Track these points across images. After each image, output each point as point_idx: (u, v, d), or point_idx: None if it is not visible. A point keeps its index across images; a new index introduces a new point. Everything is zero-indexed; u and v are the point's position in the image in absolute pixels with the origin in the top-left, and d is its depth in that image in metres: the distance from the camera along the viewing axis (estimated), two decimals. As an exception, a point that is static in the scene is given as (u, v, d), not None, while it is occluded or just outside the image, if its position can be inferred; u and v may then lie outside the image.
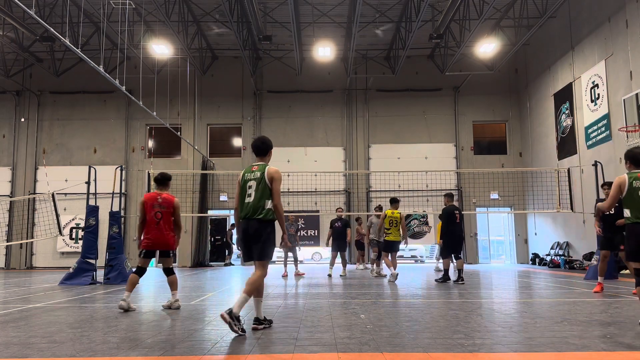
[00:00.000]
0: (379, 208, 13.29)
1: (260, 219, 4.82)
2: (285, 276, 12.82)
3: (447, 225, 10.85)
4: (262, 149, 5.13)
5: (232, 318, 4.51)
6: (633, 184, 5.01)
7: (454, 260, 11.38)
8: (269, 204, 4.86)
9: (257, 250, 4.82)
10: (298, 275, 12.93)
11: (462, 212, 20.19)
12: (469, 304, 6.79)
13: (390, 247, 11.05)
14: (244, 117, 21.90)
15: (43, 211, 19.19)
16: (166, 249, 6.70)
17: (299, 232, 14.82)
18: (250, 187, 4.92)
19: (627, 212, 5.08)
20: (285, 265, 13.46)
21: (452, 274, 11.90)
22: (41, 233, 18.54)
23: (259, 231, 4.81)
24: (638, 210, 4.98)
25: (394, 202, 11.31)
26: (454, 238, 10.74)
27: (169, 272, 6.79)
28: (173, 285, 6.70)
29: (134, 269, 6.83)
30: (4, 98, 21.96)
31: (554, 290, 8.94)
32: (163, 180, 6.94)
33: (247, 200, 4.90)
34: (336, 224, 13.15)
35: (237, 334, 4.53)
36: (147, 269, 6.79)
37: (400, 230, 11.08)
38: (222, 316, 4.52)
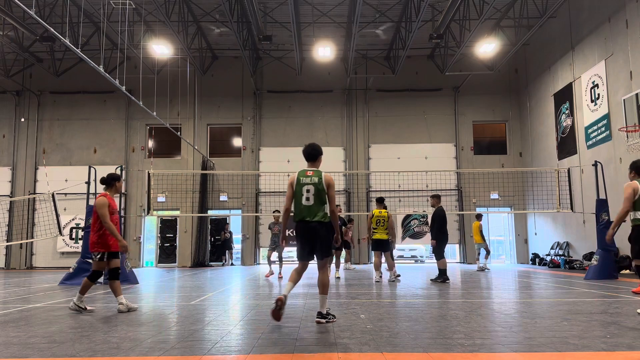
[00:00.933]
0: None
1: (322, 221, 5.24)
2: (268, 276, 12.62)
3: (442, 226, 10.87)
4: (313, 154, 5.45)
5: (323, 317, 5.21)
6: None
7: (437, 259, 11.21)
8: (326, 208, 5.28)
9: (321, 250, 5.27)
10: (280, 277, 12.32)
11: (463, 212, 20.37)
12: (469, 304, 6.79)
13: (378, 246, 10.97)
14: (244, 117, 21.90)
15: (43, 211, 19.19)
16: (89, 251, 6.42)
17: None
18: (308, 191, 5.25)
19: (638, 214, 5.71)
20: (270, 265, 13.22)
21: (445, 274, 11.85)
22: (41, 233, 18.53)
23: (322, 233, 5.23)
24: None
25: (380, 201, 11.29)
26: (446, 238, 10.97)
27: (91, 276, 6.38)
28: (82, 289, 6.37)
29: (134, 269, 6.83)
30: (4, 98, 21.96)
31: (554, 290, 8.94)
32: (108, 181, 6.55)
33: (306, 203, 5.25)
34: None
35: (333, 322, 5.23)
36: (123, 269, 6.58)
37: (389, 229, 10.96)
38: (317, 322, 5.18)
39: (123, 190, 19.39)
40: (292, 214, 5.47)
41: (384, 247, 10.89)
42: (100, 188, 7.05)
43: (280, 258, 12.68)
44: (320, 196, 5.23)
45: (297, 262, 5.40)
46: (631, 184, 5.85)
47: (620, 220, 5.94)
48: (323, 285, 5.26)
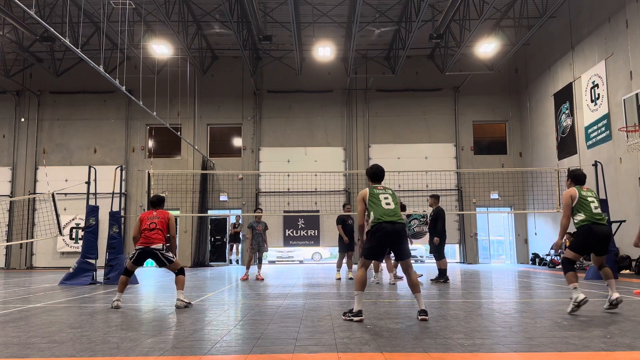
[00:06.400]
0: None
1: (404, 224, 5.59)
2: (244, 279, 11.74)
3: (443, 226, 10.88)
4: (381, 176, 5.90)
5: (426, 313, 5.33)
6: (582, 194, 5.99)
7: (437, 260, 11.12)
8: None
9: (406, 250, 5.54)
10: (259, 279, 11.74)
11: (462, 212, 20.38)
12: (469, 304, 6.80)
13: None
14: (244, 117, 21.90)
15: (43, 211, 19.19)
16: None
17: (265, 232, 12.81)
18: (386, 197, 5.60)
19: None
20: (249, 268, 12.10)
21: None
22: (41, 233, 18.53)
23: (405, 234, 5.56)
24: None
25: None
26: (445, 238, 10.98)
27: (181, 271, 7.41)
28: (180, 286, 7.07)
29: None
30: (4, 98, 21.96)
31: (554, 290, 8.94)
32: (160, 202, 7.90)
33: (388, 207, 5.53)
34: (349, 222, 11.88)
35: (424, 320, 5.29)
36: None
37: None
38: (423, 319, 5.25)
39: (123, 191, 19.36)
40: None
41: None
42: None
43: (260, 260, 12.10)
44: (397, 203, 5.64)
45: (368, 260, 5.55)
46: (569, 191, 6.05)
47: (565, 231, 6.08)
48: (416, 285, 5.46)
